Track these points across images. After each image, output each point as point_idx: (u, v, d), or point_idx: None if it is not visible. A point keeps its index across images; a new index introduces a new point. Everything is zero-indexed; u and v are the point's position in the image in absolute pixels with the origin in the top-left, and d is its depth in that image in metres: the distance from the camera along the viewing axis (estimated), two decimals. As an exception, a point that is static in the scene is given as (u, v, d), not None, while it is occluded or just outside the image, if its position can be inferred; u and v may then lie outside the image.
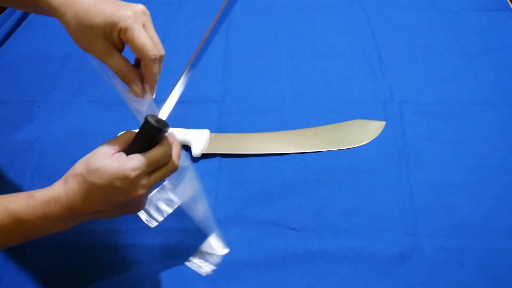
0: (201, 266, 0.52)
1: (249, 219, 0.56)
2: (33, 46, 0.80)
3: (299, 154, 0.62)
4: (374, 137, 0.64)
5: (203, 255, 0.53)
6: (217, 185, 0.60)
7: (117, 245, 0.54)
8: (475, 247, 0.53)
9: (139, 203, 0.44)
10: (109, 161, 0.39)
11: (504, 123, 0.65)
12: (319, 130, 0.65)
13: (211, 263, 0.52)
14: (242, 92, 0.71)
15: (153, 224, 0.55)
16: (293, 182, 0.60)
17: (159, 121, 0.41)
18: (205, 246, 0.53)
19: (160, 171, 0.43)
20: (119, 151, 0.41)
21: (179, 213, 0.57)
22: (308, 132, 0.65)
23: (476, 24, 0.79)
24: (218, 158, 0.62)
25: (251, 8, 0.85)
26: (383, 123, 0.65)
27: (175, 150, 0.44)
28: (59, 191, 0.40)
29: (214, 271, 0.52)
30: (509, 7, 0.82)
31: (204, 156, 0.62)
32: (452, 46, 0.76)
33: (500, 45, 0.76)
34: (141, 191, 0.41)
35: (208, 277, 0.52)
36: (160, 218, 0.56)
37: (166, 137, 0.43)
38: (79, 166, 0.41)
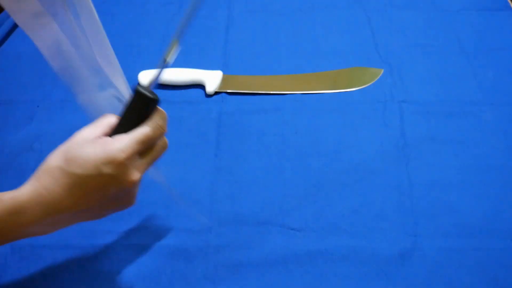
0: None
1: (249, 219, 0.56)
2: (33, 46, 0.79)
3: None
4: (372, 81, 0.70)
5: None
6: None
7: (116, 246, 0.54)
8: (475, 247, 0.53)
9: (133, 193, 0.37)
10: (91, 145, 0.34)
11: (504, 123, 0.65)
12: (322, 74, 0.73)
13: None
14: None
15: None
16: (293, 182, 0.60)
17: (151, 92, 0.35)
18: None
19: (154, 149, 0.36)
20: (99, 136, 0.35)
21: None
22: (312, 76, 0.73)
23: (476, 24, 0.79)
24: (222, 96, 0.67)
25: (251, 8, 0.85)
26: (381, 70, 0.72)
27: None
28: (27, 193, 0.34)
29: (215, 270, 0.52)
30: (509, 7, 0.82)
31: (215, 93, 0.70)
32: (452, 46, 0.76)
33: (500, 45, 0.75)
34: (136, 176, 0.35)
35: (208, 277, 0.52)
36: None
37: (157, 108, 0.37)
38: (53, 159, 0.34)
